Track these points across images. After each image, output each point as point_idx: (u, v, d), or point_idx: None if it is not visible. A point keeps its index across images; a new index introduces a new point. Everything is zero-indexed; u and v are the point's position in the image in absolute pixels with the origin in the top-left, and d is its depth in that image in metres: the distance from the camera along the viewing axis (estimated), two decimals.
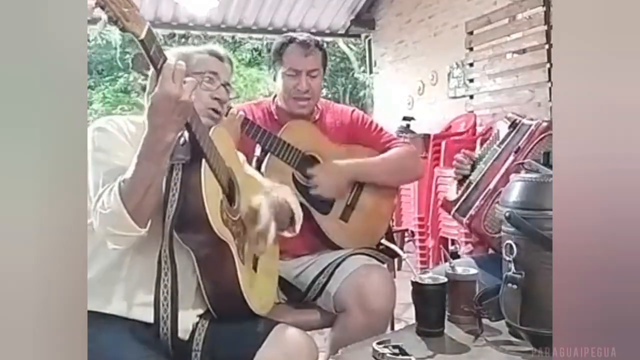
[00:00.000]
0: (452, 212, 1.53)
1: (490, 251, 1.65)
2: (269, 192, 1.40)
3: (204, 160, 1.15)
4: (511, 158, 1.49)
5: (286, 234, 1.48)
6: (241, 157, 1.48)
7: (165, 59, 1.06)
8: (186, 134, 1.15)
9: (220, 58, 1.35)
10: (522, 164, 1.40)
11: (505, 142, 1.55)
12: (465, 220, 1.48)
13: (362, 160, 1.78)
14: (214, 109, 1.31)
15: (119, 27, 0.96)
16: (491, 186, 1.47)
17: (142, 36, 1.00)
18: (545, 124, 1.50)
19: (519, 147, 1.48)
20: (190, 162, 1.15)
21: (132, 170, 1.08)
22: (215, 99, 1.31)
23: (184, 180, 1.14)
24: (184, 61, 1.31)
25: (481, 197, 1.47)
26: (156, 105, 1.05)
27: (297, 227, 1.47)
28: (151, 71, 1.20)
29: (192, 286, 1.23)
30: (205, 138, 1.17)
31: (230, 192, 1.28)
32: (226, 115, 1.59)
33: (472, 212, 1.47)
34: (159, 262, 1.15)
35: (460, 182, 1.57)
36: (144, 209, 1.10)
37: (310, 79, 1.71)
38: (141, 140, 1.08)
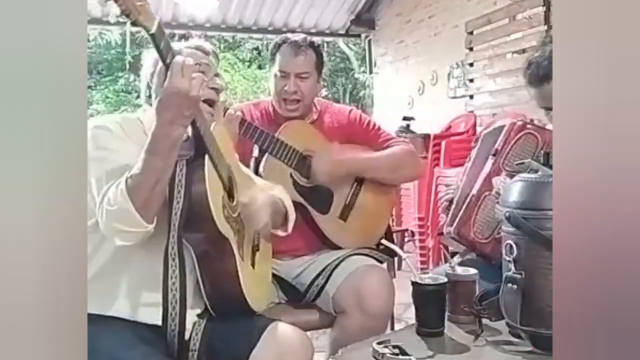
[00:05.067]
0: (443, 230, 1.49)
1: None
2: (264, 189, 1.40)
3: (207, 156, 1.15)
4: (490, 161, 1.44)
5: (279, 232, 1.47)
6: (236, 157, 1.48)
7: (174, 55, 1.05)
8: (190, 129, 1.14)
9: (206, 53, 1.34)
10: (505, 164, 1.38)
11: (477, 147, 1.53)
12: (453, 228, 1.44)
13: (362, 155, 1.77)
14: (210, 101, 1.29)
15: (131, 20, 0.95)
16: (474, 192, 1.43)
17: (153, 30, 1.00)
18: (520, 123, 1.45)
19: (496, 150, 1.44)
20: (194, 158, 1.15)
21: (140, 166, 1.07)
22: (212, 88, 1.29)
23: (188, 175, 1.13)
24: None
25: (466, 203, 1.43)
26: (166, 100, 1.04)
27: (289, 227, 1.46)
28: (159, 66, 1.23)
29: (191, 285, 1.22)
30: (208, 134, 1.17)
31: (230, 188, 1.28)
32: (224, 115, 1.59)
33: (459, 219, 1.43)
34: (166, 260, 1.12)
35: (448, 209, 1.53)
36: (151, 205, 1.09)
37: (299, 81, 1.70)
38: (149, 136, 1.07)
